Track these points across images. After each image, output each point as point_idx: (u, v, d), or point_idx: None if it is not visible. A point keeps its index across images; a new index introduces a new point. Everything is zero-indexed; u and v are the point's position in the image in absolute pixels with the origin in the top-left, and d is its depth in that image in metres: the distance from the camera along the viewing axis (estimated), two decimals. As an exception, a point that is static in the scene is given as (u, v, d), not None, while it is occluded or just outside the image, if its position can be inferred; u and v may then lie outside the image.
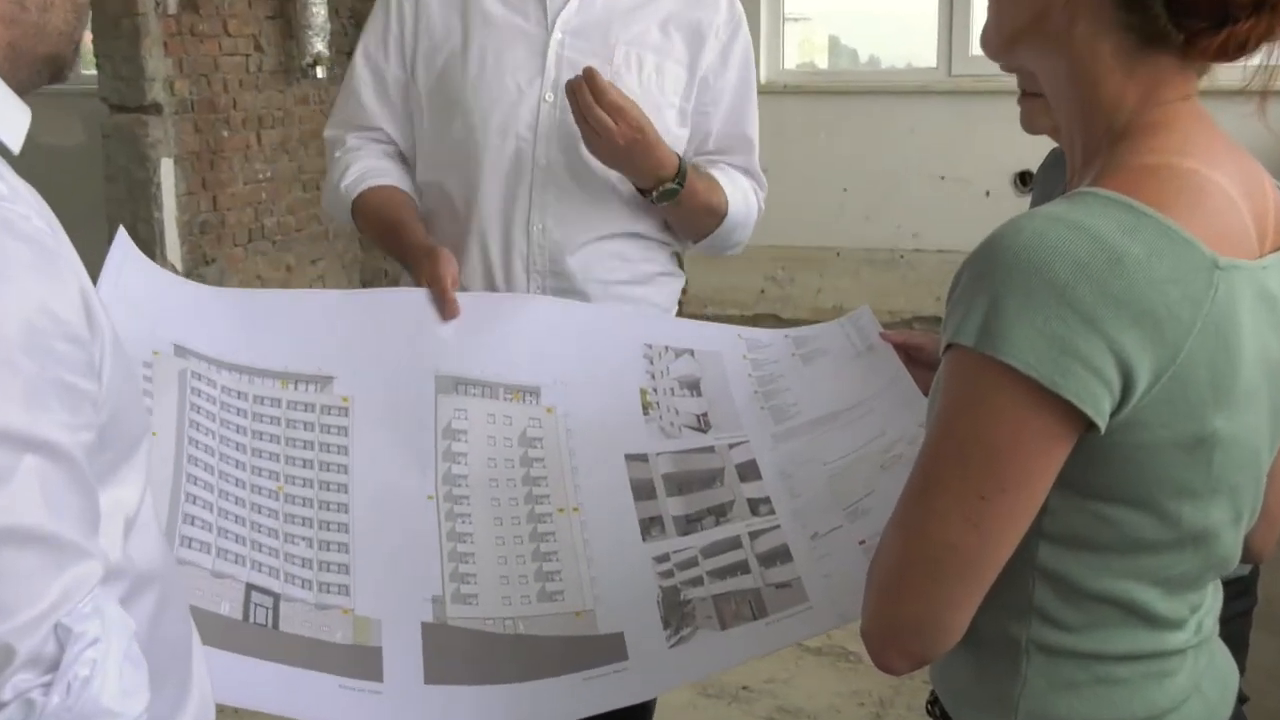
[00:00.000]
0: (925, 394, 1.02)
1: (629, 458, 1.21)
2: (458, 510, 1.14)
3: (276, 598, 1.02)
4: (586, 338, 1.29)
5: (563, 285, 1.42)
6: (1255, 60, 0.78)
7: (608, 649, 1.09)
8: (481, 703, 1.04)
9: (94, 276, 0.72)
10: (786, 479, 1.20)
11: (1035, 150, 1.36)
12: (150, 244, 3.64)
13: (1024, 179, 4.30)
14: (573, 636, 1.09)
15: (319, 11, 4.15)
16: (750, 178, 1.50)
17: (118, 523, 0.69)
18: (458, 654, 1.06)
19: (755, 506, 1.19)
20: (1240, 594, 1.21)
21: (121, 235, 1.09)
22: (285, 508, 1.08)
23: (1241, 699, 0.88)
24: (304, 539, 1.07)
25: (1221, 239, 0.75)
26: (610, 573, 1.13)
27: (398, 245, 1.38)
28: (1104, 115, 0.80)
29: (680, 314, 1.54)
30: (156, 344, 1.07)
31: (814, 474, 1.19)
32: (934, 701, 0.90)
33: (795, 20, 4.80)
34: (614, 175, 1.41)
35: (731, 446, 1.23)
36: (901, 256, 4.53)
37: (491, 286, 1.43)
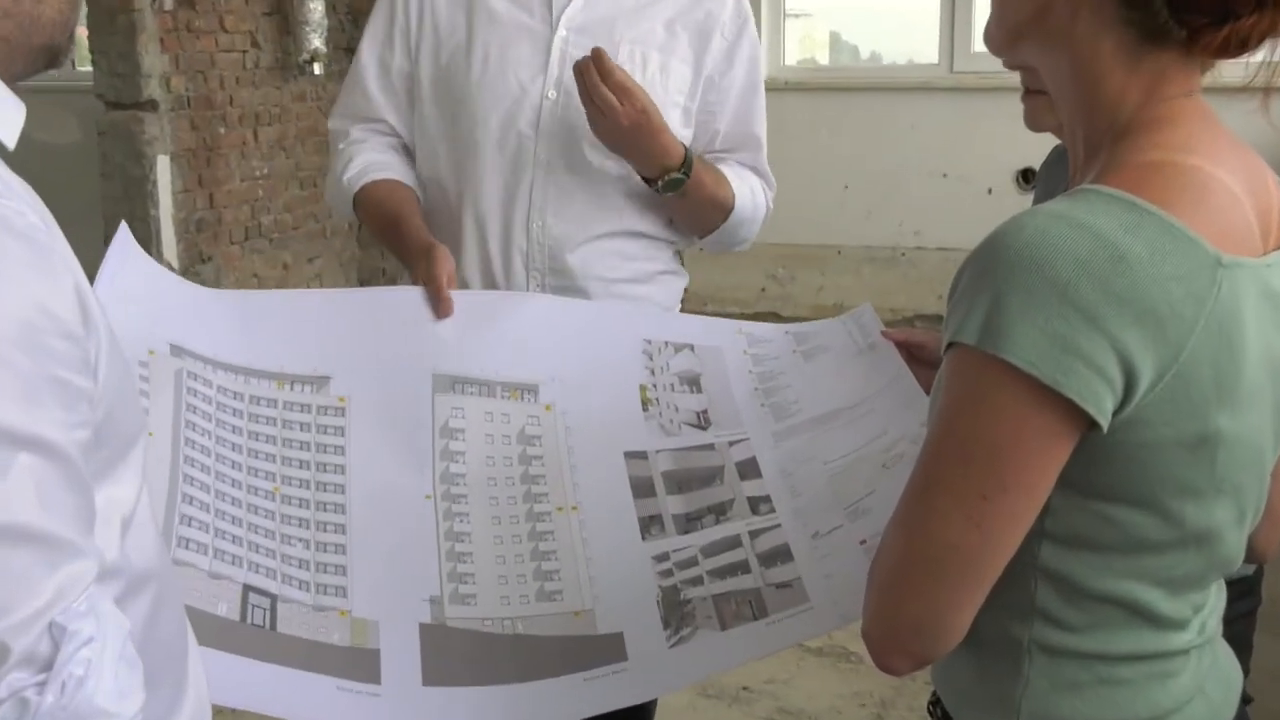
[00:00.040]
0: (927, 393, 1.02)
1: (628, 455, 1.20)
2: (455, 510, 1.14)
3: (274, 599, 1.01)
4: (585, 334, 1.28)
5: (563, 283, 1.41)
6: (1258, 56, 0.78)
7: (607, 649, 1.08)
8: (480, 704, 1.03)
9: (90, 274, 0.71)
10: (787, 477, 1.20)
11: (1037, 147, 1.36)
12: (146, 242, 3.63)
13: (1026, 176, 4.30)
14: (571, 636, 1.09)
15: (316, 8, 4.14)
16: (758, 176, 1.49)
17: (114, 521, 0.68)
18: (456, 655, 1.05)
19: (755, 505, 1.18)
20: (1244, 594, 1.21)
21: (123, 232, 1.09)
22: (282, 508, 1.07)
23: (1245, 700, 0.88)
24: (301, 540, 1.06)
25: (1225, 237, 0.75)
26: (609, 572, 1.13)
27: (397, 241, 1.38)
28: (1106, 112, 0.80)
29: (681, 312, 1.54)
30: (153, 344, 1.06)
31: (815, 473, 1.18)
32: (935, 702, 0.90)
33: (796, 16, 4.79)
34: (616, 173, 1.40)
35: (732, 444, 1.23)
36: (903, 254, 4.52)
37: (491, 284, 1.43)
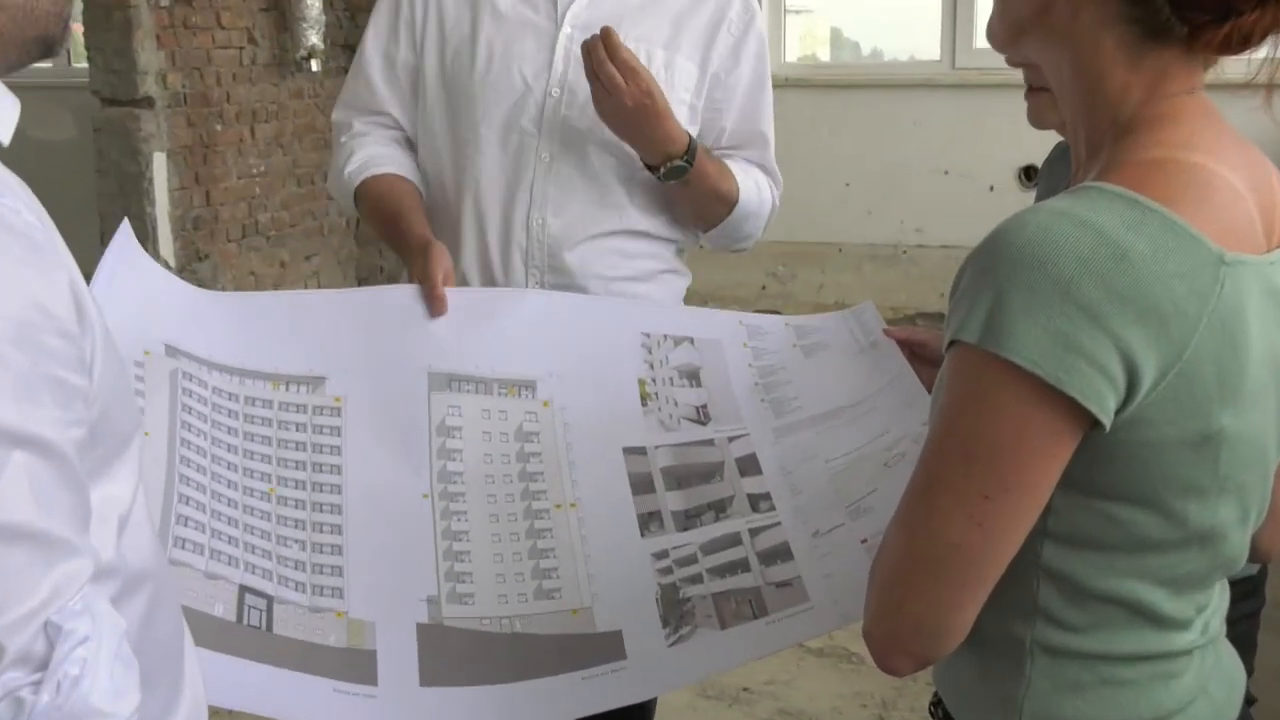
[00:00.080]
0: (929, 391, 1.01)
1: (627, 451, 1.20)
2: (453, 509, 1.13)
3: (270, 600, 1.01)
4: (583, 328, 1.28)
5: (562, 281, 1.41)
6: (1261, 53, 0.77)
7: (605, 647, 1.08)
8: (477, 704, 1.03)
9: (86, 271, 0.70)
10: (787, 475, 1.19)
11: (1040, 144, 1.35)
12: (142, 239, 3.57)
13: (1028, 174, 4.29)
14: (570, 635, 1.08)
15: (314, 4, 4.12)
16: (765, 173, 1.49)
17: (110, 520, 0.68)
18: (453, 655, 1.05)
19: (755, 503, 1.18)
20: (1248, 594, 1.21)
21: (124, 230, 1.08)
22: (278, 509, 1.07)
23: (1249, 700, 0.88)
24: (297, 541, 1.06)
25: (1228, 234, 0.74)
26: (608, 569, 1.12)
27: (396, 238, 1.37)
28: (1108, 109, 0.79)
29: (682, 308, 1.53)
30: (148, 344, 1.05)
31: (815, 471, 1.18)
32: (937, 703, 0.89)
33: (797, 13, 4.77)
34: (619, 171, 1.40)
35: (731, 440, 1.22)
36: (904, 252, 4.51)
37: (490, 280, 1.42)
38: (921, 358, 1.22)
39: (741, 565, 1.13)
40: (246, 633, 0.98)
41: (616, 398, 1.23)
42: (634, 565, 1.13)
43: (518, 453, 1.18)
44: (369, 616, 1.04)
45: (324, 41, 4.19)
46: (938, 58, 4.50)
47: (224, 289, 3.88)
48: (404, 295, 1.24)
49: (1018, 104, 1.02)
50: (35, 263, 0.62)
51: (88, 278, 0.71)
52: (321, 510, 1.09)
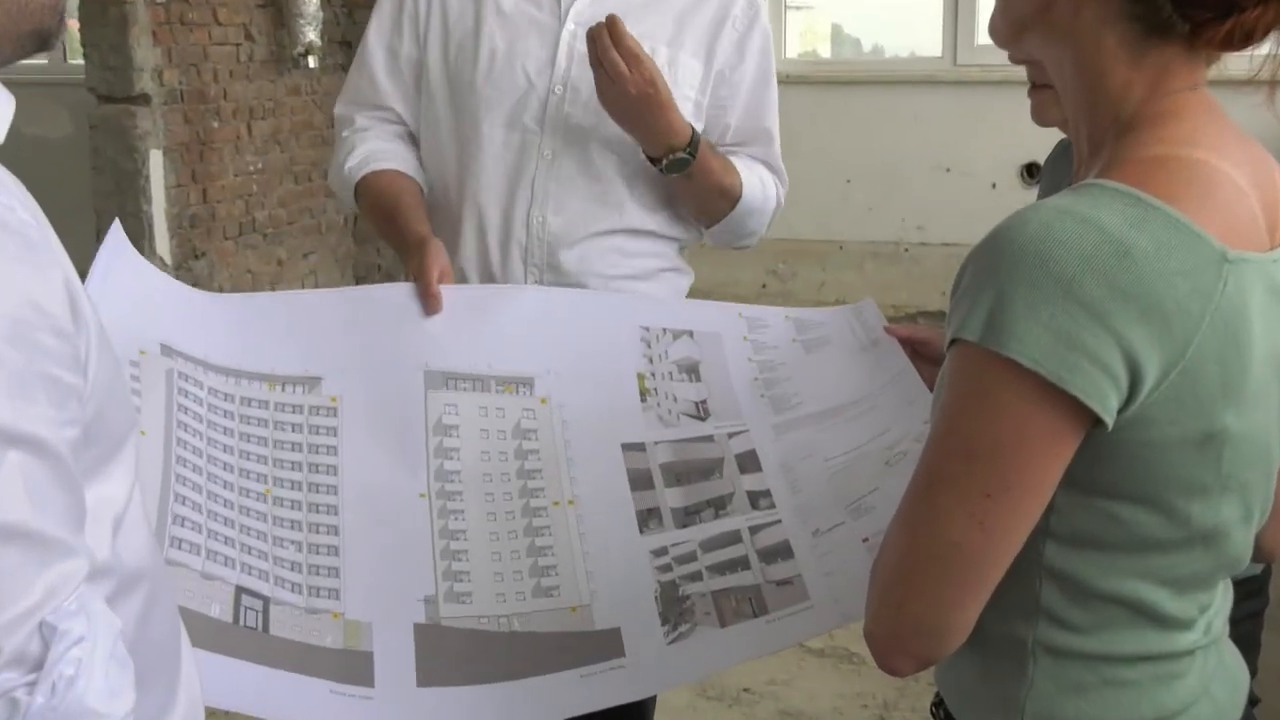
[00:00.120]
0: (931, 390, 1.01)
1: (626, 447, 1.19)
2: (451, 508, 1.13)
3: (266, 601, 1.00)
4: (581, 324, 1.27)
5: (561, 279, 1.40)
6: (1264, 49, 0.77)
7: (604, 645, 1.08)
8: (475, 703, 1.02)
9: (82, 270, 0.70)
10: (788, 472, 1.19)
11: (1042, 141, 1.35)
12: (139, 237, 3.61)
13: (1030, 171, 4.28)
14: (568, 633, 1.08)
15: (311, 0, 4.11)
16: (770, 169, 1.48)
17: (105, 520, 0.67)
18: (451, 655, 1.04)
19: (755, 500, 1.17)
20: (1252, 594, 1.20)
21: (115, 230, 1.08)
22: (274, 510, 1.06)
23: (1253, 701, 0.88)
24: (293, 542, 1.05)
25: (1231, 231, 0.74)
26: (607, 567, 1.12)
27: (393, 234, 1.37)
28: (1111, 106, 0.79)
29: (683, 307, 1.52)
30: (144, 343, 1.05)
31: (816, 469, 1.18)
32: (939, 704, 0.89)
33: (798, 9, 4.77)
34: (620, 170, 1.39)
35: (731, 436, 1.22)
36: (906, 250, 4.50)
37: (489, 277, 1.42)
38: (923, 356, 1.21)
39: (741, 563, 1.12)
40: (243, 633, 0.97)
41: (615, 393, 1.22)
42: (633, 563, 1.12)
43: (515, 450, 1.17)
44: (366, 617, 1.04)
45: (321, 38, 4.18)
46: (939, 54, 4.49)
47: (221, 287, 3.87)
48: (399, 293, 1.24)
49: (1020, 101, 1.01)
50: (30, 260, 0.61)
51: (83, 276, 0.70)
52: (318, 511, 1.08)
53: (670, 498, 1.17)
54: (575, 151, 1.39)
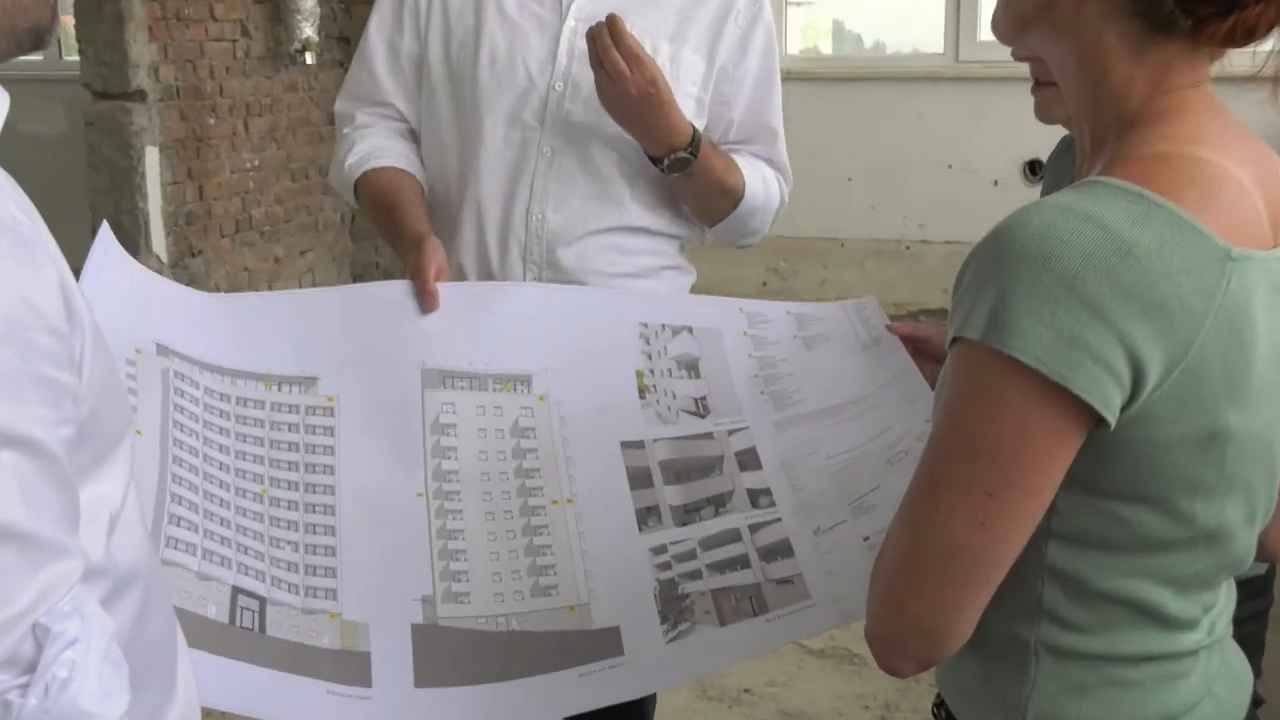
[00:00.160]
0: (933, 388, 1.01)
1: (625, 445, 1.19)
2: (448, 507, 1.12)
3: (263, 601, 1.00)
4: (579, 321, 1.27)
5: (560, 277, 1.40)
6: (1267, 45, 0.77)
7: (603, 644, 1.07)
8: (474, 703, 1.02)
9: (77, 268, 0.69)
10: (788, 470, 1.19)
11: (1045, 139, 1.35)
12: (134, 235, 3.59)
13: (1033, 168, 4.27)
14: (567, 632, 1.08)
15: (308, -4, 4.10)
16: (773, 167, 1.47)
17: (100, 520, 0.67)
18: (449, 655, 1.04)
19: (755, 498, 1.17)
20: (1255, 594, 1.20)
21: (104, 231, 1.07)
22: (270, 510, 1.06)
23: (1256, 702, 0.87)
24: (290, 542, 1.05)
25: (1234, 229, 0.74)
26: (606, 566, 1.12)
27: (391, 232, 1.36)
28: (1113, 102, 0.79)
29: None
30: (139, 342, 1.04)
31: (817, 467, 1.17)
32: (940, 704, 0.89)
33: (799, 5, 4.75)
34: (621, 167, 1.38)
35: (731, 433, 1.21)
36: (907, 248, 4.49)
37: (487, 274, 1.41)
38: (925, 354, 1.21)
39: (741, 561, 1.12)
40: (239, 634, 0.97)
41: (614, 391, 1.22)
42: (632, 561, 1.12)
43: (513, 449, 1.17)
44: (363, 618, 1.04)
45: (319, 34, 4.16)
46: (941, 50, 4.47)
47: (217, 285, 3.86)
48: (396, 291, 1.23)
49: (1022, 97, 1.01)
50: (23, 259, 0.61)
51: (79, 274, 0.70)
52: (314, 511, 1.08)
53: (669, 495, 1.17)
54: (575, 149, 1.38)
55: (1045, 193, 1.24)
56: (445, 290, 1.23)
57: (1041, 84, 0.92)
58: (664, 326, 1.27)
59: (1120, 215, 0.71)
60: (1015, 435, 0.72)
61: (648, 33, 1.38)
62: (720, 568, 1.12)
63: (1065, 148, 1.33)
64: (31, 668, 0.57)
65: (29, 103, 4.49)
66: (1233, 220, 0.74)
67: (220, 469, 1.04)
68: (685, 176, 1.36)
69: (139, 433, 0.98)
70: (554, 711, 1.05)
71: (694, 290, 1.52)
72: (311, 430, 1.12)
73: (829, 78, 4.54)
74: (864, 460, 1.15)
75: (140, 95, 3.61)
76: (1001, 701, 0.81)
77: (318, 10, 4.14)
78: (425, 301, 1.21)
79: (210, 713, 0.86)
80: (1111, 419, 0.71)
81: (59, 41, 4.88)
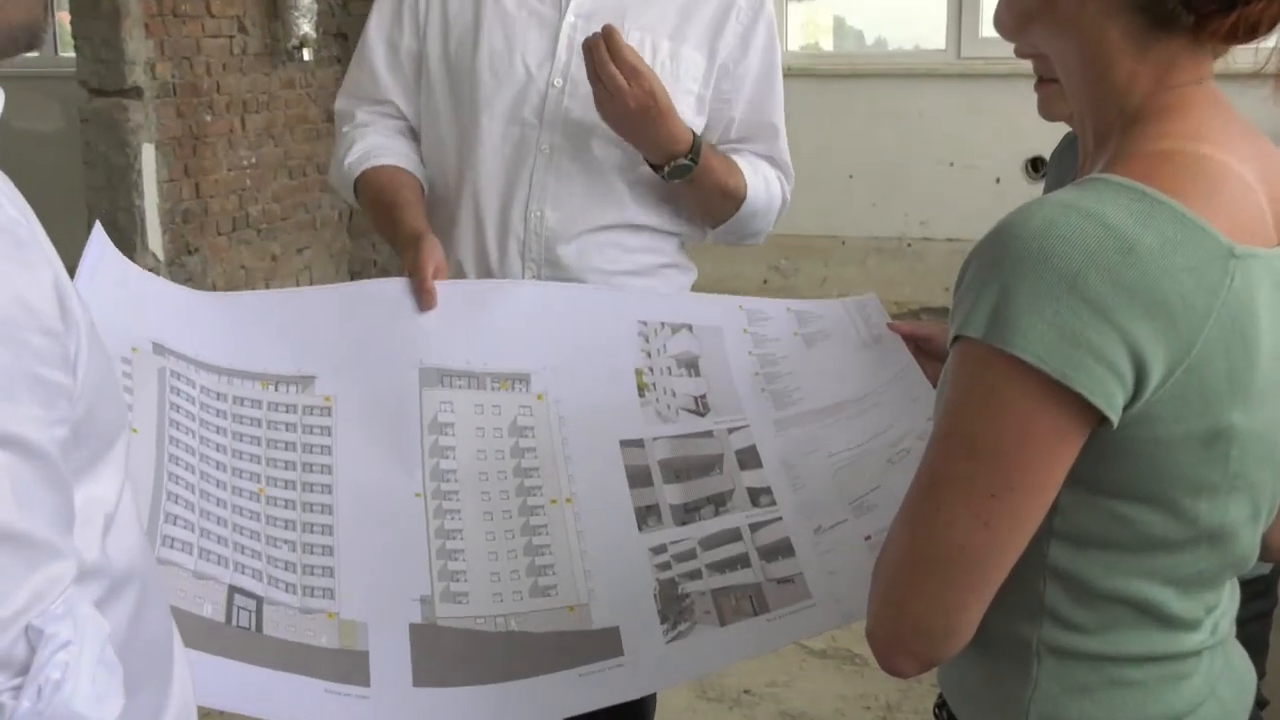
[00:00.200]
0: (934, 387, 1.00)
1: (624, 444, 1.18)
2: (447, 507, 1.12)
3: (260, 600, 0.99)
4: (578, 319, 1.26)
5: (559, 274, 1.39)
6: (1270, 42, 0.76)
7: (603, 644, 1.07)
8: (472, 703, 1.02)
9: (72, 266, 0.69)
10: (789, 469, 1.18)
11: (1047, 136, 1.34)
12: (131, 233, 3.59)
13: (1035, 165, 4.26)
14: (566, 632, 1.07)
15: (305, -7, 4.09)
16: (775, 166, 1.46)
17: (95, 521, 0.66)
18: (447, 655, 1.04)
19: (756, 497, 1.17)
20: (1259, 594, 1.20)
21: (98, 231, 1.06)
22: (267, 510, 1.05)
23: (1260, 703, 0.87)
24: (287, 542, 1.05)
25: (1238, 226, 0.73)
26: (605, 565, 1.11)
27: (390, 229, 1.36)
28: (1116, 99, 0.78)
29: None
30: (135, 341, 1.04)
31: (818, 466, 1.17)
32: (942, 705, 0.89)
33: (800, 0, 4.75)
34: (620, 164, 1.38)
35: (731, 431, 1.21)
36: (909, 245, 4.48)
37: (486, 272, 1.41)
38: (926, 353, 1.20)
39: (741, 561, 1.12)
40: (235, 633, 0.96)
41: (613, 389, 1.21)
42: (631, 560, 1.12)
43: (512, 448, 1.16)
44: (361, 617, 1.03)
45: (316, 30, 4.15)
46: (942, 47, 4.46)
47: (214, 283, 3.85)
48: (394, 289, 1.22)
49: (1024, 94, 1.00)
50: (18, 258, 0.61)
51: (73, 273, 0.69)
52: (312, 510, 1.07)
53: (669, 494, 1.16)
54: (574, 146, 1.37)
55: (1048, 190, 1.24)
56: (443, 288, 1.22)
57: (1044, 80, 0.92)
58: (663, 324, 1.26)
59: (1123, 213, 0.71)
60: (1017, 434, 0.71)
61: (648, 30, 1.37)
62: (720, 567, 1.11)
63: (1068, 145, 1.33)
64: (24, 670, 0.57)
65: (24, 100, 4.47)
66: (1236, 218, 0.74)
67: (217, 468, 1.04)
68: (686, 182, 1.36)
69: (134, 431, 0.97)
70: (553, 712, 1.05)
71: (694, 288, 1.51)
72: (309, 430, 1.11)
73: (830, 74, 4.52)
74: (865, 459, 1.14)
75: (136, 92, 3.60)
76: (1003, 702, 0.81)
77: (315, 7, 4.13)
78: (423, 299, 1.20)
79: (208, 712, 0.86)
80: (1114, 418, 0.71)
81: (54, 38, 4.87)
